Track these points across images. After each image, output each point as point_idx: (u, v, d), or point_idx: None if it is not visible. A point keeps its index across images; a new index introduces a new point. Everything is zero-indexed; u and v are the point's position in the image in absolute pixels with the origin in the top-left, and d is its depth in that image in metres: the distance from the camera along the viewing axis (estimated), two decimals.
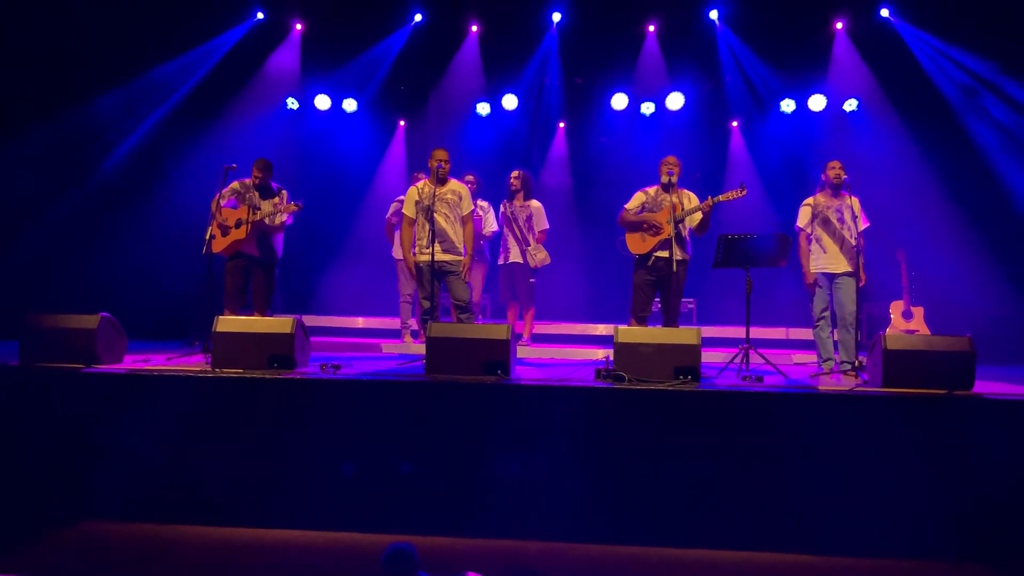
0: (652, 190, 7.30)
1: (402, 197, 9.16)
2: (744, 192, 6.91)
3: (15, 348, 6.30)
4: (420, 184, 7.35)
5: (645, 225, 7.14)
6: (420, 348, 7.39)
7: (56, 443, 5.75)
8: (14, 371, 6.02)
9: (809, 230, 7.40)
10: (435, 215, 7.13)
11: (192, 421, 5.69)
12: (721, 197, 6.93)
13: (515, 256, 8.89)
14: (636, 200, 7.32)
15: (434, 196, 7.14)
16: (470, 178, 8.73)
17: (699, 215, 7.07)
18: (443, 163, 7.18)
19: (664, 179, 7.17)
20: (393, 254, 9.34)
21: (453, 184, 7.34)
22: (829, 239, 7.27)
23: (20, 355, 6.22)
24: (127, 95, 10.45)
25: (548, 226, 8.98)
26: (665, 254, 7.01)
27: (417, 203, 7.25)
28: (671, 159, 7.23)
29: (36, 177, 9.97)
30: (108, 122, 10.41)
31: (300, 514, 5.53)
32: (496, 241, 9.20)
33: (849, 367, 6.97)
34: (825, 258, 7.28)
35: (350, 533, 5.40)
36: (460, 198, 7.31)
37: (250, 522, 5.54)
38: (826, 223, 7.30)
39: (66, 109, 10.07)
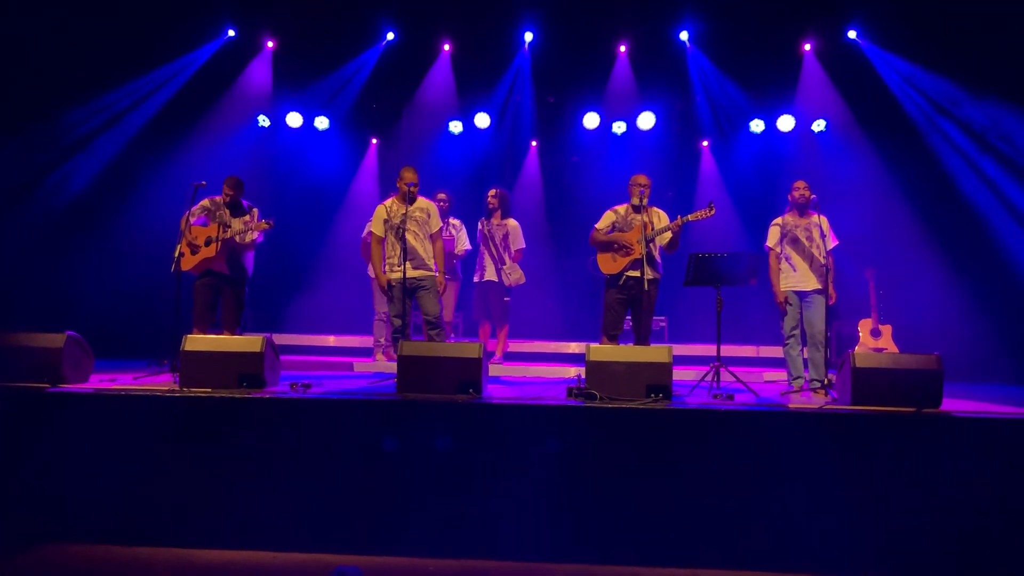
0: (622, 209, 7.32)
1: None
2: (713, 211, 6.94)
3: None
4: (388, 202, 7.33)
5: (616, 245, 7.16)
6: (392, 366, 7.35)
7: (19, 464, 5.64)
8: None
9: (778, 250, 7.46)
10: (404, 233, 7.13)
11: (159, 441, 5.61)
12: (690, 216, 6.96)
13: (490, 274, 8.88)
14: (606, 219, 7.34)
15: (405, 215, 7.14)
16: (442, 196, 8.73)
17: (669, 234, 7.10)
18: (413, 185, 7.21)
19: (635, 200, 7.16)
20: (369, 272, 9.31)
21: (421, 202, 7.34)
22: (799, 258, 7.34)
23: None
24: (96, 110, 10.37)
25: (524, 245, 8.98)
26: (636, 273, 7.01)
27: (385, 222, 7.25)
28: (641, 179, 7.24)
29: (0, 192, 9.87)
30: (76, 137, 10.32)
31: (269, 535, 5.46)
32: (469, 259, 9.19)
33: (818, 385, 7.01)
34: (795, 277, 7.35)
35: (320, 554, 5.34)
36: (428, 215, 7.31)
37: (218, 544, 5.46)
38: (795, 242, 7.37)
39: (32, 124, 9.98)
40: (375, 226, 7.34)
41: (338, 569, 4.07)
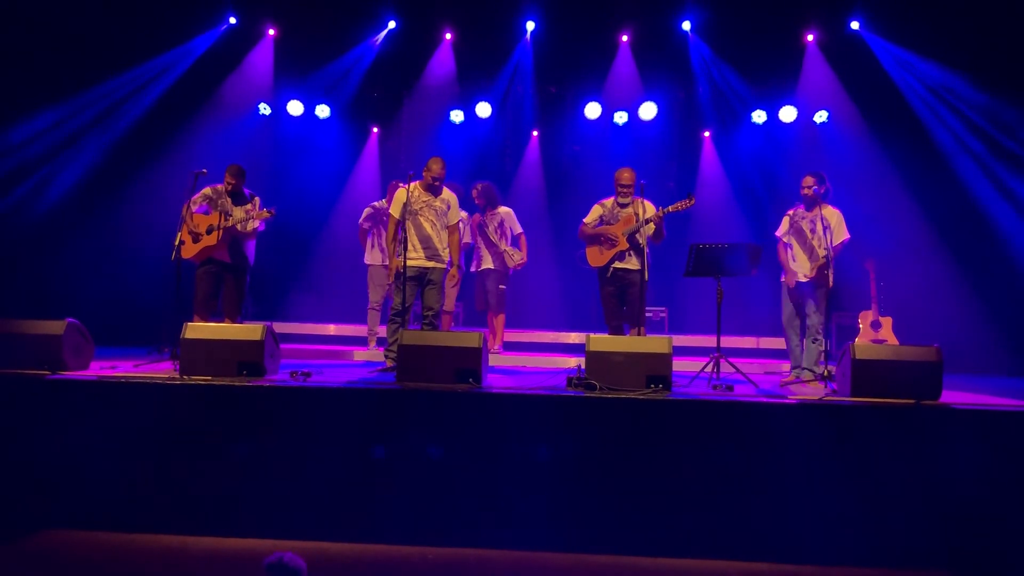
0: (608, 202, 7.39)
1: (375, 203, 9.19)
2: (692, 202, 7.02)
3: None
4: (411, 186, 7.32)
5: (602, 239, 7.23)
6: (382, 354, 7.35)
7: (20, 451, 5.66)
8: None
9: (786, 239, 7.53)
10: (421, 221, 7.21)
11: (159, 429, 5.62)
12: (671, 208, 7.06)
13: (487, 263, 8.92)
14: (594, 213, 7.42)
15: (425, 204, 7.22)
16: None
17: (653, 225, 7.17)
18: (437, 179, 7.27)
19: (621, 199, 7.27)
20: (365, 260, 9.30)
21: (445, 192, 7.39)
22: (799, 249, 7.41)
23: None
24: (98, 97, 10.35)
25: (522, 229, 8.99)
26: (622, 265, 7.18)
27: (405, 205, 7.24)
28: (624, 177, 7.28)
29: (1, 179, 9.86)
30: (77, 124, 10.30)
31: (267, 523, 5.47)
32: (469, 251, 9.20)
33: (810, 376, 7.08)
34: (795, 266, 7.40)
35: (318, 542, 5.34)
36: (448, 207, 7.36)
37: (216, 531, 5.47)
38: (799, 233, 7.42)
39: (33, 111, 9.96)
40: (394, 208, 7.32)
41: (273, 558, 3.68)
